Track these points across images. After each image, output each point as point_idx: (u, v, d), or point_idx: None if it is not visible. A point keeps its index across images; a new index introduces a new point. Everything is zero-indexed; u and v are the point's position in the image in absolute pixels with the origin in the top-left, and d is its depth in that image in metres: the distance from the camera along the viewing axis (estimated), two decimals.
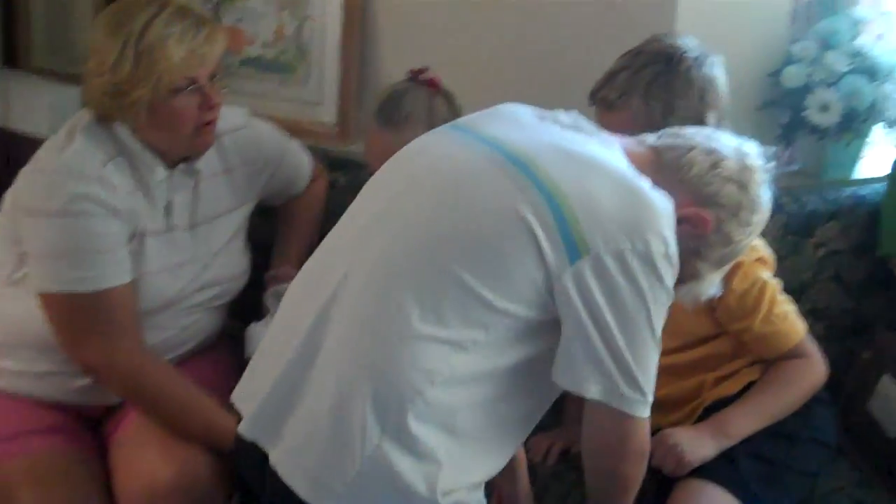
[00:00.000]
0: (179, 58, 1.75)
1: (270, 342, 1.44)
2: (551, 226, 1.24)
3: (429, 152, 1.44)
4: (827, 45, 2.20)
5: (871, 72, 2.17)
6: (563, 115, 1.44)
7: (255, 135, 2.06)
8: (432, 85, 1.97)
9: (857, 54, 2.18)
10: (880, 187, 2.13)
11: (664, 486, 1.70)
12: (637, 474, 1.41)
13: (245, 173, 2.04)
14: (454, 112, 1.96)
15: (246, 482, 1.55)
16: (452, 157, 1.38)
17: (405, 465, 1.25)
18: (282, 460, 1.31)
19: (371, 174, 1.66)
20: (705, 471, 1.69)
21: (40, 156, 1.83)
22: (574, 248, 1.24)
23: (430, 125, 1.86)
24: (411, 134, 1.83)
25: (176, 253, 1.90)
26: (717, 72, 1.77)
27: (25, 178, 1.82)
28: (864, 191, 2.16)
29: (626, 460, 1.38)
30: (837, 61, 2.16)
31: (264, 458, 1.34)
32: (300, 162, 2.19)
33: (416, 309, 1.26)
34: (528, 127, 1.40)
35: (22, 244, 1.81)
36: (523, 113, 1.45)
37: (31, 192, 1.79)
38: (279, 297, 1.97)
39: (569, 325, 1.27)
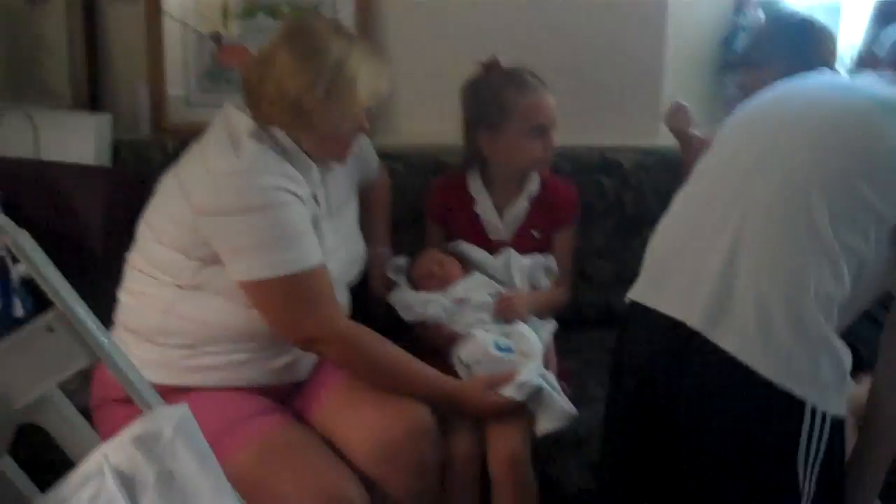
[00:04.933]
0: (366, 99, 1.94)
1: (673, 263, 1.73)
2: None
3: (797, 98, 1.78)
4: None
5: None
6: None
7: None
8: None
9: None
10: None
11: None
12: None
13: (352, 162, 2.21)
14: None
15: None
16: (827, 101, 1.74)
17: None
18: (741, 349, 1.58)
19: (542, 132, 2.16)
20: None
21: (212, 162, 1.89)
22: None
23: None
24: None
25: (333, 236, 2.06)
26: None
27: (205, 184, 1.88)
28: None
29: None
30: None
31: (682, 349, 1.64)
32: (372, 149, 2.39)
33: (828, 220, 1.59)
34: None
35: (210, 246, 1.89)
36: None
37: (221, 194, 1.86)
38: (399, 269, 2.23)
39: None
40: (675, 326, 1.65)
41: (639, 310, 1.76)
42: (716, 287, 1.62)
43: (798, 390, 1.56)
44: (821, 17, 2.99)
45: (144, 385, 1.44)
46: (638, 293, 1.78)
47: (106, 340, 1.36)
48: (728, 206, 1.68)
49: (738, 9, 2.90)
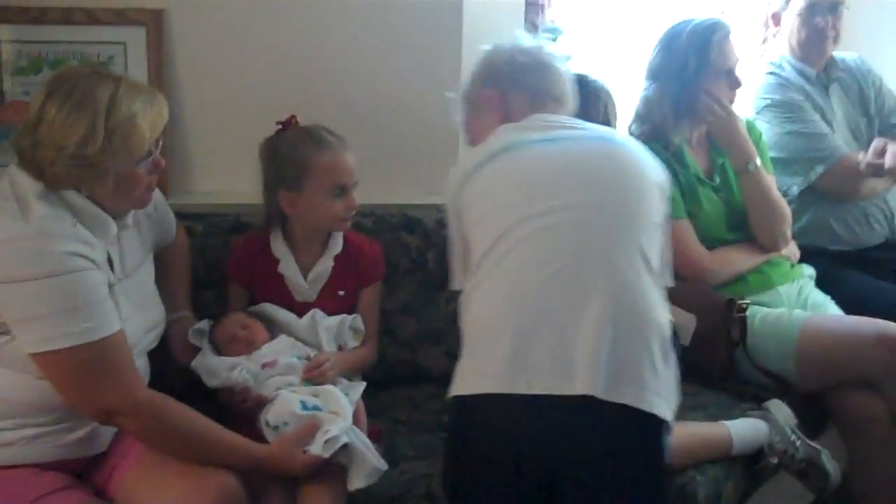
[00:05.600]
0: (147, 131, 1.88)
1: (530, 343, 1.72)
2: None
3: (558, 159, 1.92)
4: None
5: None
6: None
7: None
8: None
9: None
10: None
11: None
12: None
13: (146, 223, 2.17)
14: None
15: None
16: (582, 155, 1.94)
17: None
18: (638, 398, 1.69)
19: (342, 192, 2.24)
20: None
21: None
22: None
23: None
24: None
25: (128, 301, 1.98)
26: (609, 89, 2.42)
27: None
28: None
29: None
30: None
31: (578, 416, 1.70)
32: (169, 208, 2.33)
33: (648, 260, 1.80)
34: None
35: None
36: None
37: (10, 262, 1.77)
38: (201, 333, 2.19)
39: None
40: (551, 402, 1.68)
41: (496, 399, 1.73)
42: (601, 350, 1.69)
43: (668, 416, 1.73)
44: None
45: None
46: (496, 384, 1.73)
47: None
48: (579, 275, 1.76)
49: None
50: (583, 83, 2.36)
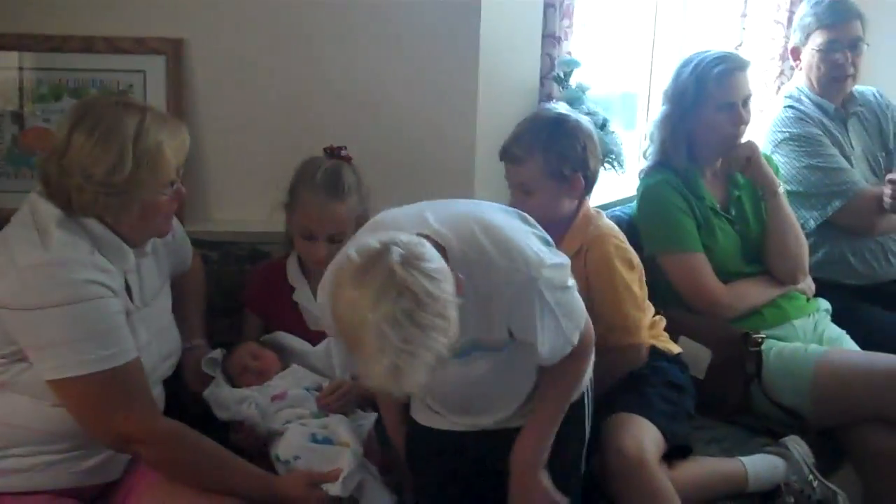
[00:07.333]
0: (172, 159, 1.91)
1: None
2: None
3: None
4: (571, 108, 2.90)
5: (601, 126, 2.92)
6: None
7: None
8: (349, 160, 2.32)
9: (589, 113, 2.91)
10: (630, 207, 2.86)
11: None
12: None
13: (164, 251, 2.17)
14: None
15: None
16: None
17: None
18: None
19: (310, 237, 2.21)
20: (628, 406, 2.25)
21: (18, 255, 1.81)
22: None
23: (360, 193, 2.24)
24: (351, 202, 2.18)
25: (145, 329, 2.00)
26: (591, 129, 2.35)
27: (11, 278, 1.79)
28: (618, 211, 2.87)
29: None
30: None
31: None
32: (186, 236, 2.34)
33: None
34: None
35: (17, 342, 1.81)
36: None
37: (29, 289, 1.79)
38: (215, 363, 2.19)
39: None
40: None
41: None
42: None
43: None
44: (618, 104, 3.23)
45: None
46: None
47: None
48: None
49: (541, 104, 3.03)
50: (559, 122, 2.32)
